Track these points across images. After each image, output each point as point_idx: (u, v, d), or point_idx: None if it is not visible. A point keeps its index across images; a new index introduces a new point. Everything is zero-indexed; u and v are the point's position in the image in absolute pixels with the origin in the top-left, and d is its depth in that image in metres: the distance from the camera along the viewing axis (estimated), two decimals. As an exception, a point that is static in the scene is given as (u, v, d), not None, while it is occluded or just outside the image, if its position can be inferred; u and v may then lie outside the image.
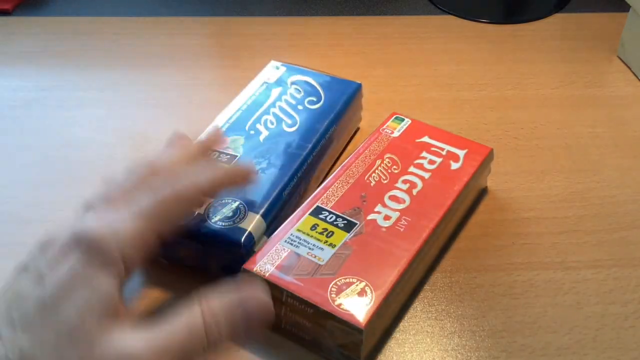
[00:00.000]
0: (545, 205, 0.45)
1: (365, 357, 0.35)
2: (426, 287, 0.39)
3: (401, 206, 0.39)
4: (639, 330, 0.37)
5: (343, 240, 0.37)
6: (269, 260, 0.35)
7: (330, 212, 0.38)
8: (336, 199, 0.39)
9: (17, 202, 0.45)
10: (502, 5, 0.69)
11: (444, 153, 0.43)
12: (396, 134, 0.44)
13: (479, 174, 0.42)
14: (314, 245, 0.36)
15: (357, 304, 0.33)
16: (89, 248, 0.29)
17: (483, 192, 0.45)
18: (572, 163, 0.48)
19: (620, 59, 0.59)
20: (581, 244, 0.42)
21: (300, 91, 0.47)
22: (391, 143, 0.43)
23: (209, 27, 0.64)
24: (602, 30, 0.63)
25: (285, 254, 0.36)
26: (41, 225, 0.43)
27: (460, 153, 0.43)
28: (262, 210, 0.38)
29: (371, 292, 0.34)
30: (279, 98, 0.47)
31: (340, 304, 0.33)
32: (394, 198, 0.39)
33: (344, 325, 0.33)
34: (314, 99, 0.47)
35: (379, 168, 0.41)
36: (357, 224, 0.38)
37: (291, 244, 0.36)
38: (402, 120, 0.45)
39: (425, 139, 0.44)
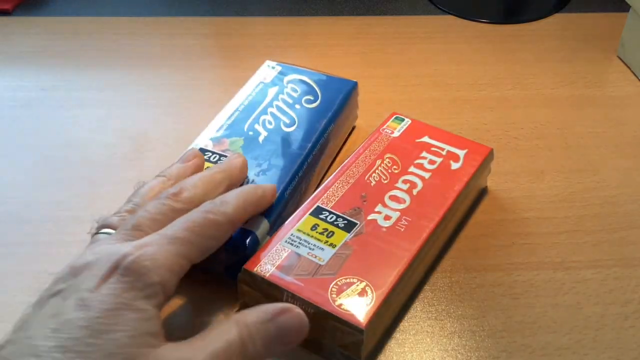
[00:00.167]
0: (545, 205, 0.45)
1: (365, 357, 0.35)
2: (426, 287, 0.39)
3: (401, 206, 0.39)
4: (639, 330, 0.37)
5: (343, 241, 0.37)
6: (269, 261, 0.35)
7: (330, 212, 0.38)
8: (336, 199, 0.39)
9: (17, 202, 0.45)
10: (502, 5, 0.69)
11: (444, 153, 0.42)
12: (396, 134, 0.44)
13: (479, 173, 0.42)
14: (314, 245, 0.36)
15: (357, 304, 0.33)
16: (129, 273, 0.30)
17: (483, 192, 0.45)
18: (572, 163, 0.48)
19: (620, 59, 0.59)
20: (581, 244, 0.42)
21: (296, 90, 0.47)
22: (391, 143, 0.43)
23: (208, 27, 0.64)
24: (602, 30, 0.63)
25: (286, 254, 0.36)
26: (41, 225, 0.44)
27: (461, 153, 0.43)
28: (265, 212, 0.38)
29: (372, 292, 0.34)
30: (275, 98, 0.47)
31: (340, 304, 0.33)
32: (394, 198, 0.39)
33: (345, 325, 0.33)
34: (311, 97, 0.47)
35: (379, 168, 0.41)
36: (357, 224, 0.38)
37: (292, 244, 0.36)
38: (402, 120, 0.45)
39: (425, 139, 0.44)
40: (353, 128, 0.51)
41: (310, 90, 0.47)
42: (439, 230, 0.39)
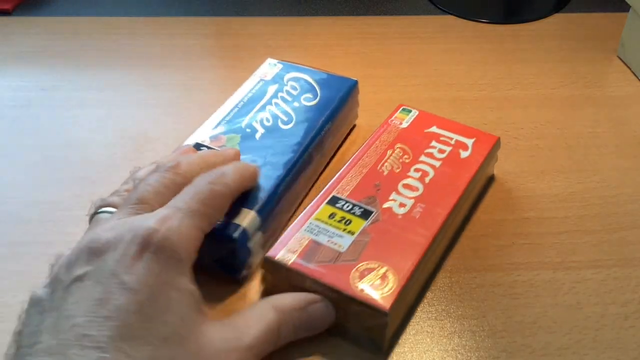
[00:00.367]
0: (545, 205, 0.45)
1: (389, 339, 0.36)
2: (426, 287, 0.39)
3: (415, 194, 0.40)
4: (639, 330, 0.37)
5: (361, 228, 0.38)
6: (290, 249, 0.37)
7: (346, 201, 0.39)
8: (351, 188, 0.40)
9: (17, 202, 0.45)
10: (502, 5, 0.69)
11: (452, 142, 0.44)
12: (405, 124, 0.45)
13: (488, 162, 0.44)
14: (333, 233, 0.37)
15: (380, 288, 0.34)
16: (162, 250, 0.30)
17: (488, 184, 0.46)
18: (572, 163, 0.48)
19: (620, 59, 0.59)
20: (581, 244, 0.42)
21: (296, 88, 0.47)
22: (401, 134, 0.44)
23: (209, 27, 0.64)
24: (602, 30, 0.63)
25: (306, 242, 0.37)
26: (41, 225, 0.44)
27: (469, 142, 0.44)
28: (256, 207, 0.39)
29: (393, 277, 0.35)
30: (275, 95, 0.47)
31: (363, 289, 0.34)
32: (407, 186, 0.40)
33: (369, 309, 0.34)
34: (310, 95, 0.47)
35: (391, 158, 0.42)
36: (373, 211, 0.39)
37: (311, 233, 0.37)
38: (410, 111, 0.46)
39: (434, 129, 0.45)
40: (353, 127, 0.51)
41: (309, 88, 0.47)
42: (453, 216, 0.40)
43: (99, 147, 0.50)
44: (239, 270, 0.39)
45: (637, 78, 0.57)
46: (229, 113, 0.45)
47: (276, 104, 0.46)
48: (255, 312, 0.33)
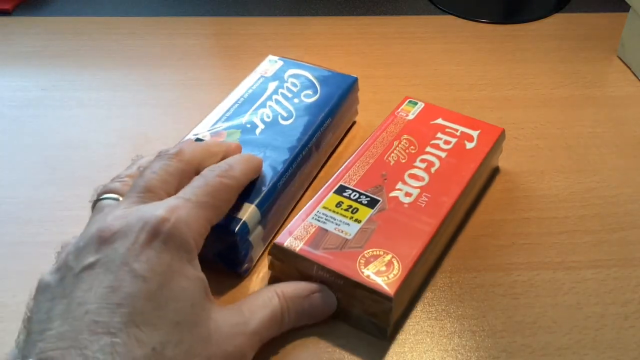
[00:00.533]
0: (545, 205, 0.45)
1: (393, 325, 0.37)
2: (426, 287, 0.39)
3: (421, 184, 0.41)
4: (639, 330, 0.37)
5: (368, 216, 0.38)
6: (298, 236, 0.37)
7: (353, 190, 0.40)
8: (358, 177, 0.41)
9: (17, 202, 0.45)
10: (502, 5, 0.69)
11: (458, 134, 0.44)
12: (411, 116, 0.46)
13: (492, 153, 0.44)
14: (340, 221, 0.38)
15: (385, 275, 0.35)
16: (171, 239, 0.30)
17: (490, 183, 0.46)
18: (572, 163, 0.48)
19: (620, 59, 0.59)
20: (581, 244, 0.42)
21: (296, 85, 0.48)
22: (407, 125, 0.45)
23: (209, 27, 0.64)
24: (602, 30, 0.63)
25: (314, 229, 0.38)
26: (41, 225, 0.44)
27: (474, 133, 0.44)
28: (256, 201, 0.39)
29: (398, 263, 0.36)
30: (275, 91, 0.47)
31: (369, 275, 0.35)
32: (413, 176, 0.41)
33: (374, 294, 0.35)
34: (310, 92, 0.47)
35: (397, 148, 0.43)
36: (380, 200, 0.39)
37: (318, 221, 0.38)
38: (416, 103, 0.47)
39: (439, 120, 0.45)
40: (353, 123, 0.51)
41: (310, 85, 0.48)
42: (458, 206, 0.40)
43: (99, 147, 0.50)
44: (239, 263, 0.39)
45: (637, 78, 0.57)
46: (229, 109, 0.46)
47: (276, 101, 0.46)
48: (260, 299, 0.34)
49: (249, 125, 0.44)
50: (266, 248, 0.41)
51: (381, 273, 0.35)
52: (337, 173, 0.41)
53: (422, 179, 0.41)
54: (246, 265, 0.39)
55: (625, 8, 0.58)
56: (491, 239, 0.42)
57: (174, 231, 0.30)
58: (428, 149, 0.43)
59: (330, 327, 0.37)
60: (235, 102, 0.46)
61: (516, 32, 0.63)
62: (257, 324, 0.33)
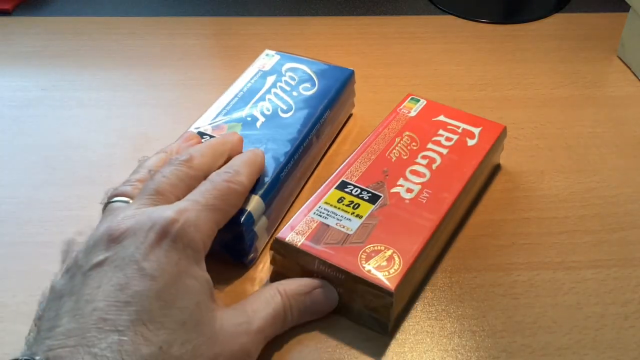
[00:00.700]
0: (545, 205, 0.45)
1: (394, 320, 0.37)
2: (426, 287, 0.39)
3: (422, 180, 0.41)
4: (639, 330, 0.37)
5: (369, 212, 0.39)
6: (300, 231, 0.38)
7: (355, 186, 0.40)
8: (360, 173, 0.41)
9: (17, 202, 0.45)
10: (502, 5, 0.69)
11: (459, 131, 0.45)
12: (413, 113, 0.46)
13: (494, 150, 0.44)
14: (341, 216, 0.38)
15: (386, 270, 0.35)
16: (179, 239, 0.31)
17: (491, 181, 0.46)
18: (572, 163, 0.48)
19: (620, 59, 0.59)
20: (581, 244, 0.42)
21: (294, 78, 0.48)
22: (409, 122, 0.45)
23: (209, 27, 0.64)
24: (602, 30, 0.63)
25: (315, 224, 0.38)
26: (41, 225, 0.44)
27: (476, 130, 0.44)
28: (260, 192, 0.40)
29: (399, 259, 0.36)
30: (274, 85, 0.48)
31: (370, 270, 0.35)
32: (414, 172, 0.41)
33: (375, 289, 0.35)
34: (308, 85, 0.48)
35: (399, 145, 0.43)
36: (381, 196, 0.40)
37: (320, 216, 0.38)
38: (418, 100, 0.47)
39: (441, 117, 0.46)
40: (350, 116, 0.52)
41: (307, 78, 0.48)
42: (459, 203, 0.41)
43: (99, 147, 0.50)
44: (245, 254, 0.40)
45: (637, 78, 0.57)
46: (229, 103, 0.46)
47: (275, 94, 0.47)
48: (262, 297, 0.34)
49: (249, 119, 0.45)
50: (270, 238, 0.42)
51: (382, 268, 0.35)
52: (339, 169, 0.42)
53: (424, 175, 0.41)
54: (252, 255, 0.40)
55: (625, 8, 0.58)
56: (491, 239, 0.42)
57: (183, 232, 0.31)
58: (429, 145, 0.43)
59: (331, 322, 0.37)
60: (235, 96, 0.47)
61: (516, 32, 0.63)
62: (260, 323, 0.33)
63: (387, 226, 0.38)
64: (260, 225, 0.40)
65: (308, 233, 0.37)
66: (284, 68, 0.49)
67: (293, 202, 0.45)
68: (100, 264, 0.30)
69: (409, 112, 0.46)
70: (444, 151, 0.43)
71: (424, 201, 0.39)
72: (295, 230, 0.38)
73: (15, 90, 0.56)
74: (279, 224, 0.43)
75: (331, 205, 0.39)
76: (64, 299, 0.29)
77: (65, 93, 0.56)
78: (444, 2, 0.67)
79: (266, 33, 0.63)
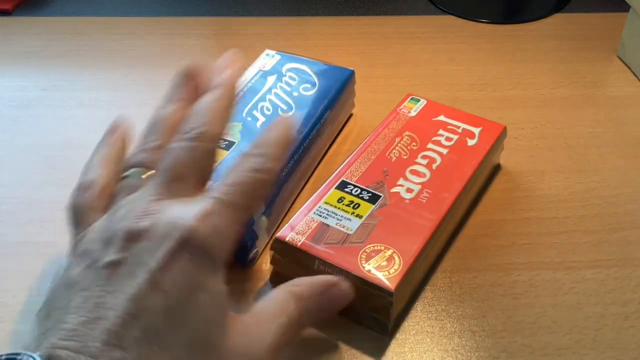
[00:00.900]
0: (545, 205, 0.45)
1: (394, 320, 0.37)
2: (426, 287, 0.39)
3: (422, 180, 0.41)
4: (639, 330, 0.37)
5: (369, 212, 0.39)
6: (300, 231, 0.38)
7: (355, 186, 0.40)
8: (360, 173, 0.41)
9: (17, 202, 0.45)
10: (502, 5, 0.69)
11: (459, 131, 0.45)
12: (413, 113, 0.46)
13: (494, 150, 0.44)
14: (341, 216, 0.38)
15: (386, 269, 0.35)
16: (200, 252, 0.29)
17: (491, 180, 0.46)
18: (572, 163, 0.48)
19: (620, 59, 0.59)
20: (581, 244, 0.42)
21: (295, 78, 0.48)
22: (409, 122, 0.45)
23: (209, 27, 0.64)
24: (602, 30, 0.63)
25: (315, 224, 0.38)
26: (41, 225, 0.44)
27: (476, 130, 0.44)
28: None
29: (399, 258, 0.36)
30: (274, 85, 0.48)
31: (370, 270, 0.35)
32: (414, 172, 0.41)
33: (375, 289, 0.35)
34: (309, 85, 0.48)
35: (399, 145, 0.43)
36: (381, 196, 0.40)
37: (320, 216, 0.38)
38: (418, 100, 0.47)
39: (441, 117, 0.46)
40: (350, 116, 0.52)
41: (308, 78, 0.48)
42: (459, 202, 0.41)
43: (99, 147, 0.50)
44: (246, 254, 0.40)
45: (637, 78, 0.57)
46: None
47: (276, 94, 0.47)
48: (273, 307, 0.32)
49: (249, 119, 0.45)
50: (270, 238, 0.42)
51: (382, 268, 0.35)
52: (339, 169, 0.42)
53: (424, 175, 0.41)
54: (252, 255, 0.40)
55: (625, 8, 0.58)
56: (491, 239, 0.42)
57: (204, 242, 0.29)
58: (429, 145, 0.43)
59: (331, 322, 0.37)
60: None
61: (516, 32, 0.63)
62: (273, 337, 0.31)
63: (387, 226, 0.38)
64: (261, 225, 0.40)
65: (308, 233, 0.37)
66: (284, 68, 0.49)
67: (293, 202, 0.45)
68: (115, 264, 0.28)
69: (409, 112, 0.46)
70: (444, 151, 0.43)
71: (424, 201, 0.39)
72: (295, 230, 0.38)
73: (15, 90, 0.56)
74: (279, 224, 0.43)
75: (331, 205, 0.39)
76: (75, 290, 0.28)
77: (65, 93, 0.56)
78: (444, 2, 0.67)
79: (266, 33, 0.63)
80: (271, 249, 0.38)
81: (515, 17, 0.66)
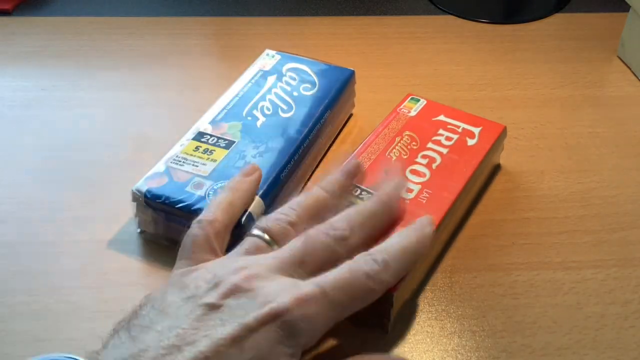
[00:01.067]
0: (545, 205, 0.45)
1: (394, 320, 0.37)
2: (426, 287, 0.39)
3: (422, 179, 0.41)
4: (639, 330, 0.37)
5: None
6: None
7: (354, 186, 0.40)
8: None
9: (17, 202, 0.45)
10: (502, 5, 0.69)
11: (459, 130, 0.45)
12: (413, 113, 0.46)
13: (494, 150, 0.44)
14: None
15: None
16: (286, 328, 0.30)
17: (491, 181, 0.46)
18: (572, 163, 0.48)
19: (620, 59, 0.59)
20: (581, 244, 0.42)
21: (295, 78, 0.48)
22: (409, 122, 0.45)
23: (209, 27, 0.64)
24: (602, 30, 0.63)
25: None
26: (41, 225, 0.44)
27: (476, 130, 0.45)
28: (261, 192, 0.40)
29: None
30: (274, 85, 0.48)
31: None
32: (414, 172, 0.41)
33: None
34: (309, 85, 0.48)
35: (399, 145, 0.43)
36: None
37: None
38: (418, 100, 0.47)
39: (441, 117, 0.46)
40: (350, 116, 0.52)
41: (308, 78, 0.48)
42: (458, 202, 0.41)
43: (99, 148, 0.50)
44: None
45: (637, 78, 0.57)
46: (229, 102, 0.46)
47: (276, 94, 0.47)
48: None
49: (249, 118, 0.45)
50: None
51: None
52: None
53: (424, 175, 0.41)
54: None
55: (625, 8, 0.58)
56: (491, 239, 0.42)
57: (292, 325, 0.30)
58: (429, 145, 0.43)
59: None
60: (236, 96, 0.47)
61: (516, 32, 0.63)
62: None
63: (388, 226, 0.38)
64: None
65: None
66: (284, 68, 0.49)
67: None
68: (212, 307, 0.30)
69: (409, 112, 0.46)
70: (444, 151, 0.43)
71: (424, 201, 0.39)
72: None
73: (15, 90, 0.56)
74: None
75: None
76: (163, 315, 0.30)
77: (65, 93, 0.56)
78: (444, 2, 0.67)
79: (266, 33, 0.63)
80: None
81: (515, 17, 0.66)
